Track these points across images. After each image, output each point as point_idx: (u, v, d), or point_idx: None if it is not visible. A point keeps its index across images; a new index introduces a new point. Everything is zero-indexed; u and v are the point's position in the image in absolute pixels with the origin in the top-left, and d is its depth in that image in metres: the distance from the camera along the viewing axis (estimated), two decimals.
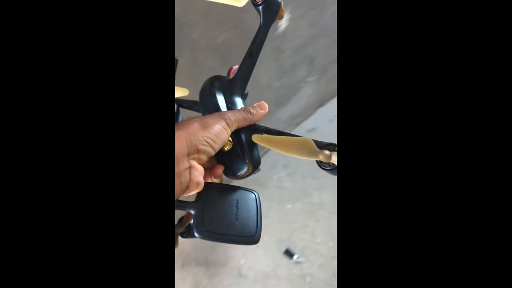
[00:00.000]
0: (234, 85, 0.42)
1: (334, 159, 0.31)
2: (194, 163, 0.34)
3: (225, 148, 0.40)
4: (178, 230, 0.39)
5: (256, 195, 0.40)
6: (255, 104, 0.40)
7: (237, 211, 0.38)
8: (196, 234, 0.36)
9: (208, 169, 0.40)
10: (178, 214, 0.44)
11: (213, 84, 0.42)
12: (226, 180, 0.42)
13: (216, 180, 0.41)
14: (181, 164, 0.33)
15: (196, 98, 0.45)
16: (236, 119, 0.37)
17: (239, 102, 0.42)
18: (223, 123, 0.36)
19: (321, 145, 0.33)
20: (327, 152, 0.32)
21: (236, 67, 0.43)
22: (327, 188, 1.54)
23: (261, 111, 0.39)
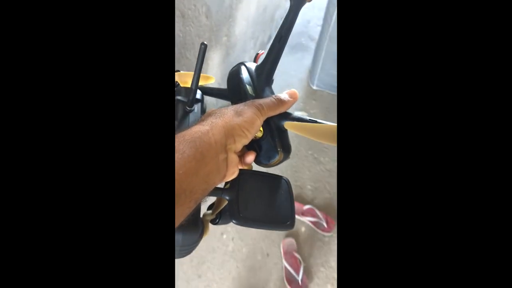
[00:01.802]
0: (262, 72, 0.41)
1: None
2: (231, 153, 0.33)
3: (256, 136, 0.38)
4: (209, 217, 0.37)
5: (288, 181, 0.38)
6: (285, 92, 0.39)
7: (271, 197, 0.37)
8: (233, 221, 0.34)
9: (239, 156, 0.38)
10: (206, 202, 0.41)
11: (241, 71, 0.41)
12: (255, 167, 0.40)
13: (246, 167, 0.39)
14: (220, 155, 0.31)
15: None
16: (268, 107, 0.36)
17: (267, 89, 0.41)
18: (257, 112, 0.35)
19: None
20: None
21: (262, 52, 0.42)
22: None
23: (291, 99, 0.38)
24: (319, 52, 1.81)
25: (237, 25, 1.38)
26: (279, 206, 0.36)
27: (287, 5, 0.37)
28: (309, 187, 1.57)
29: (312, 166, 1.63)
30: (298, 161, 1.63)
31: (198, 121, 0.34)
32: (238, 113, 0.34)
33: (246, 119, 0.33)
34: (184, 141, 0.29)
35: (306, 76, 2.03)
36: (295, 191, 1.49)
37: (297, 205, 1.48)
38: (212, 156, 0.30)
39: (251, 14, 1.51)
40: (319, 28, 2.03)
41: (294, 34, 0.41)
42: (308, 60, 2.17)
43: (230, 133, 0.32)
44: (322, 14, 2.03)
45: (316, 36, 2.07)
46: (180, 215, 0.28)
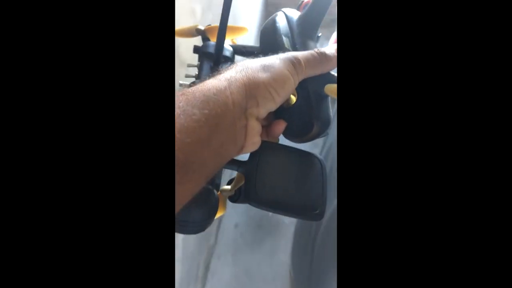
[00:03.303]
0: (305, 23, 0.33)
1: None
2: (252, 119, 0.26)
3: (288, 102, 0.31)
4: (227, 193, 0.31)
5: (322, 162, 0.31)
6: (332, 46, 0.31)
7: (298, 178, 0.30)
8: (246, 200, 0.29)
9: (264, 126, 0.31)
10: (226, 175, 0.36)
11: (279, 21, 0.34)
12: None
13: (271, 140, 0.32)
14: (238, 121, 0.25)
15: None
16: (307, 63, 0.28)
17: (310, 44, 0.33)
18: (291, 69, 0.27)
19: None
20: None
21: (308, 0, 0.34)
22: None
23: None
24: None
25: None
26: (308, 190, 0.29)
27: None
28: None
29: None
30: None
31: (213, 74, 0.27)
32: (265, 68, 0.26)
33: (276, 76, 0.26)
34: (194, 100, 0.23)
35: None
36: None
37: None
38: (228, 122, 0.24)
39: None
40: None
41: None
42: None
43: (252, 93, 0.25)
44: None
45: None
46: (188, 193, 0.23)
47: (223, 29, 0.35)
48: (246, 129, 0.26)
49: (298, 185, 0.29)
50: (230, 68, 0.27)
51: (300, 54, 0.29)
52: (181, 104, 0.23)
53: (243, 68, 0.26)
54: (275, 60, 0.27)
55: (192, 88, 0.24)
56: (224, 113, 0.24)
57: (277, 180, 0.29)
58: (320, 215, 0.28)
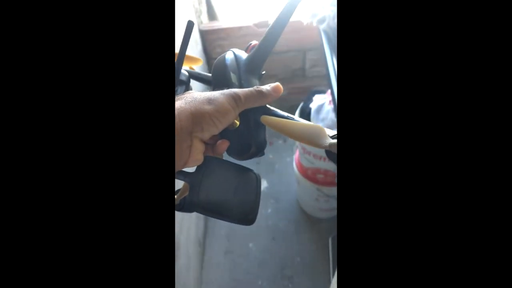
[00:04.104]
0: (250, 63, 0.39)
1: None
2: (196, 140, 0.32)
3: (233, 125, 0.37)
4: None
5: (258, 176, 0.37)
6: (268, 85, 0.38)
7: (235, 188, 0.35)
8: (190, 206, 0.34)
9: (210, 144, 0.37)
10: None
11: (228, 59, 0.40)
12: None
13: (217, 156, 0.37)
14: (184, 142, 0.31)
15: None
16: (246, 98, 0.35)
17: (253, 81, 0.39)
18: (232, 103, 0.34)
19: (332, 135, 0.33)
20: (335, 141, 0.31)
21: (255, 43, 0.41)
22: None
23: (274, 93, 0.37)
24: None
25: None
26: (243, 199, 0.35)
27: None
28: None
29: None
30: None
31: None
32: (210, 101, 0.32)
33: (218, 108, 0.32)
34: None
35: None
36: None
37: None
38: (175, 143, 0.30)
39: None
40: None
41: None
42: None
43: (198, 120, 0.31)
44: None
45: None
46: None
47: (182, 56, 0.40)
48: (190, 149, 0.31)
49: (236, 194, 0.35)
50: (181, 98, 0.33)
51: (240, 91, 0.35)
52: None
53: (191, 100, 0.32)
54: (219, 95, 0.34)
55: None
56: None
57: (218, 189, 0.34)
58: (252, 221, 0.34)
